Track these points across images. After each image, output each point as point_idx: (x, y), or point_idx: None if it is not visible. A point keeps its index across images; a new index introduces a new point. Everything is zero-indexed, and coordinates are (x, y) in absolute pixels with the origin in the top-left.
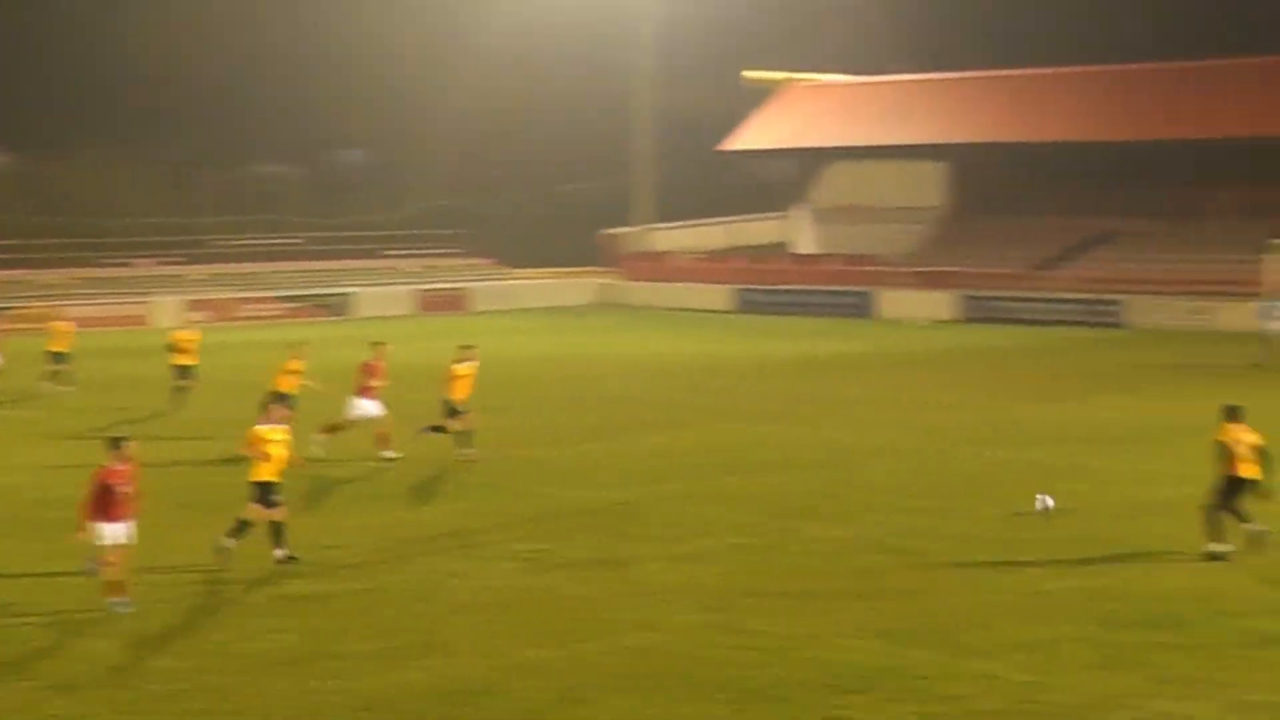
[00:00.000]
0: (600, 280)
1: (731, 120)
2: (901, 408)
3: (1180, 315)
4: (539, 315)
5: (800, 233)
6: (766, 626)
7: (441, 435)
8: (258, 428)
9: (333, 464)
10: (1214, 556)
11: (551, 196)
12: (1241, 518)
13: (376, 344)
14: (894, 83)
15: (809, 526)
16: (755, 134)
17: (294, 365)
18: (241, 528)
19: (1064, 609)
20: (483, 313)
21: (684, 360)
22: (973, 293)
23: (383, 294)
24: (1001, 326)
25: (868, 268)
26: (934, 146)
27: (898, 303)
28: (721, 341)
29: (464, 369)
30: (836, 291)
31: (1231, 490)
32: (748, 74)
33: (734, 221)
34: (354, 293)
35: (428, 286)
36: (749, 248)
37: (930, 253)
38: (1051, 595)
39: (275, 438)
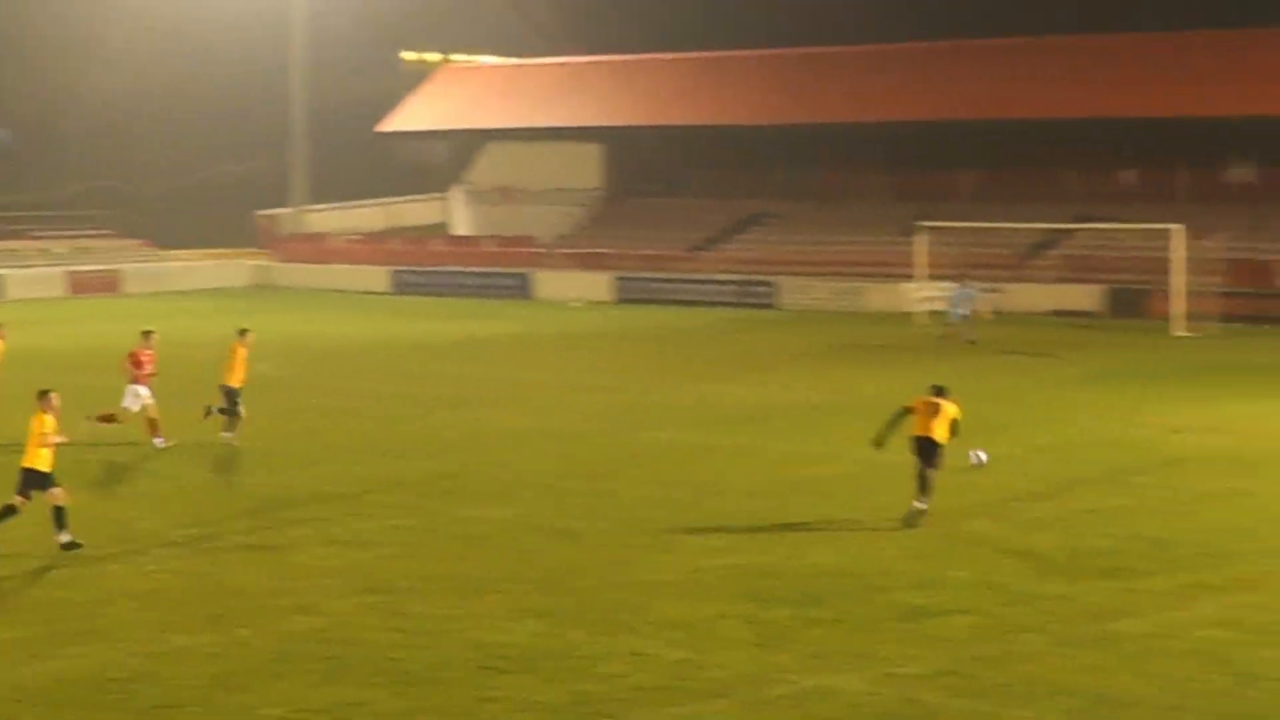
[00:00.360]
0: (256, 262)
1: (390, 102)
2: (559, 389)
3: (830, 296)
4: (196, 297)
5: (458, 214)
6: (424, 609)
7: (218, 416)
8: (43, 416)
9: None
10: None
11: (207, 178)
12: (922, 487)
13: (146, 332)
14: (550, 65)
15: (466, 508)
16: (412, 115)
17: None
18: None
19: (718, 587)
20: (135, 295)
21: (340, 343)
22: (628, 274)
23: (32, 276)
24: (657, 307)
25: (524, 249)
26: (590, 129)
27: (555, 284)
28: (378, 324)
29: (242, 352)
30: (494, 273)
31: (924, 453)
32: (406, 55)
33: (392, 203)
34: (2, 275)
35: (79, 268)
36: (408, 229)
37: (586, 234)
38: (706, 574)
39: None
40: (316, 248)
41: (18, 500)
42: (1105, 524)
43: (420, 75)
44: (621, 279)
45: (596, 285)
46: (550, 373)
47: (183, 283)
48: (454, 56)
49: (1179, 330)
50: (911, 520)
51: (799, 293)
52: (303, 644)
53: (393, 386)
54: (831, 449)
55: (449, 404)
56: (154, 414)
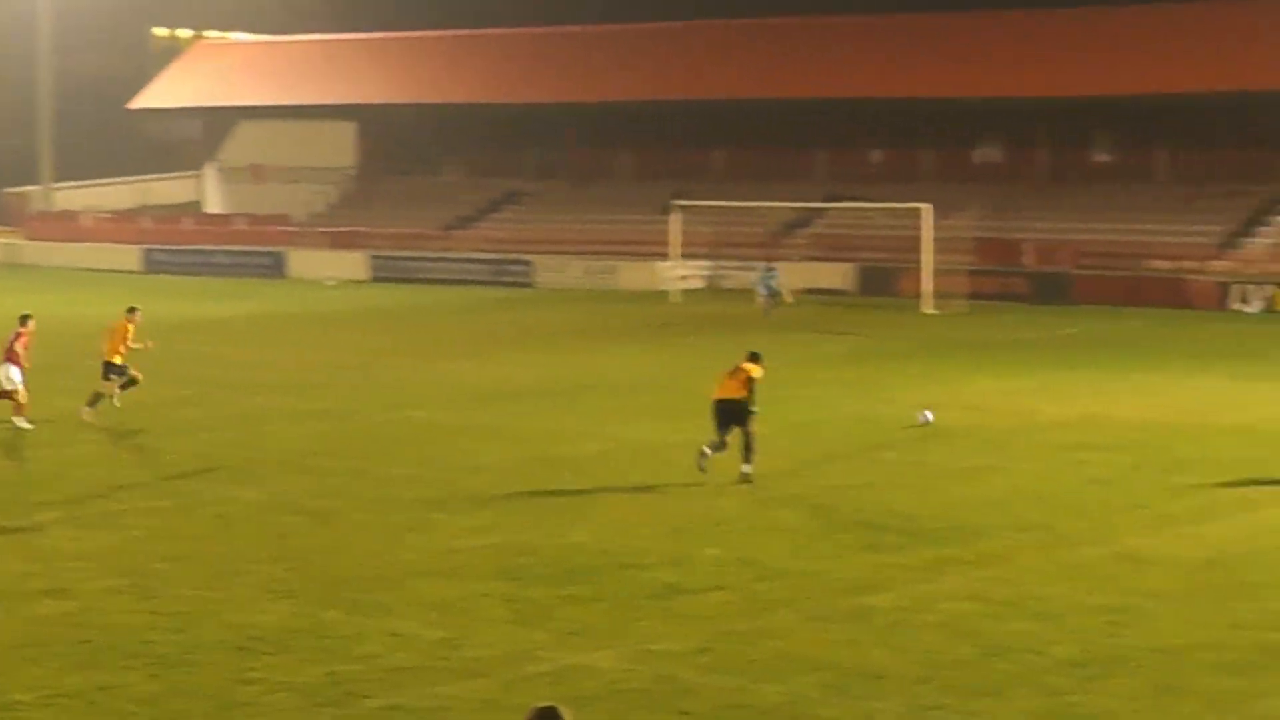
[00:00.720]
0: (4, 240)
1: (141, 79)
2: (312, 368)
3: (585, 275)
4: None
5: (210, 193)
6: (178, 591)
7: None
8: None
9: None
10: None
11: None
12: (746, 451)
13: (25, 316)
14: (304, 42)
15: (219, 489)
16: (164, 92)
17: None
18: None
19: (476, 566)
20: None
21: (89, 322)
22: (383, 253)
23: None
24: (412, 286)
25: (278, 228)
26: (344, 106)
27: (309, 263)
28: (127, 303)
29: (133, 329)
30: (247, 252)
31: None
32: (157, 31)
33: (143, 181)
34: None
35: None
36: (160, 207)
37: (341, 213)
38: (463, 553)
39: None
40: (66, 226)
41: None
42: (856, 500)
43: (172, 52)
44: (376, 258)
45: (351, 264)
46: (303, 352)
47: None
48: (207, 33)
49: (928, 308)
50: (744, 480)
51: (554, 271)
52: (53, 628)
53: (142, 366)
54: (587, 427)
55: (200, 384)
56: (23, 397)
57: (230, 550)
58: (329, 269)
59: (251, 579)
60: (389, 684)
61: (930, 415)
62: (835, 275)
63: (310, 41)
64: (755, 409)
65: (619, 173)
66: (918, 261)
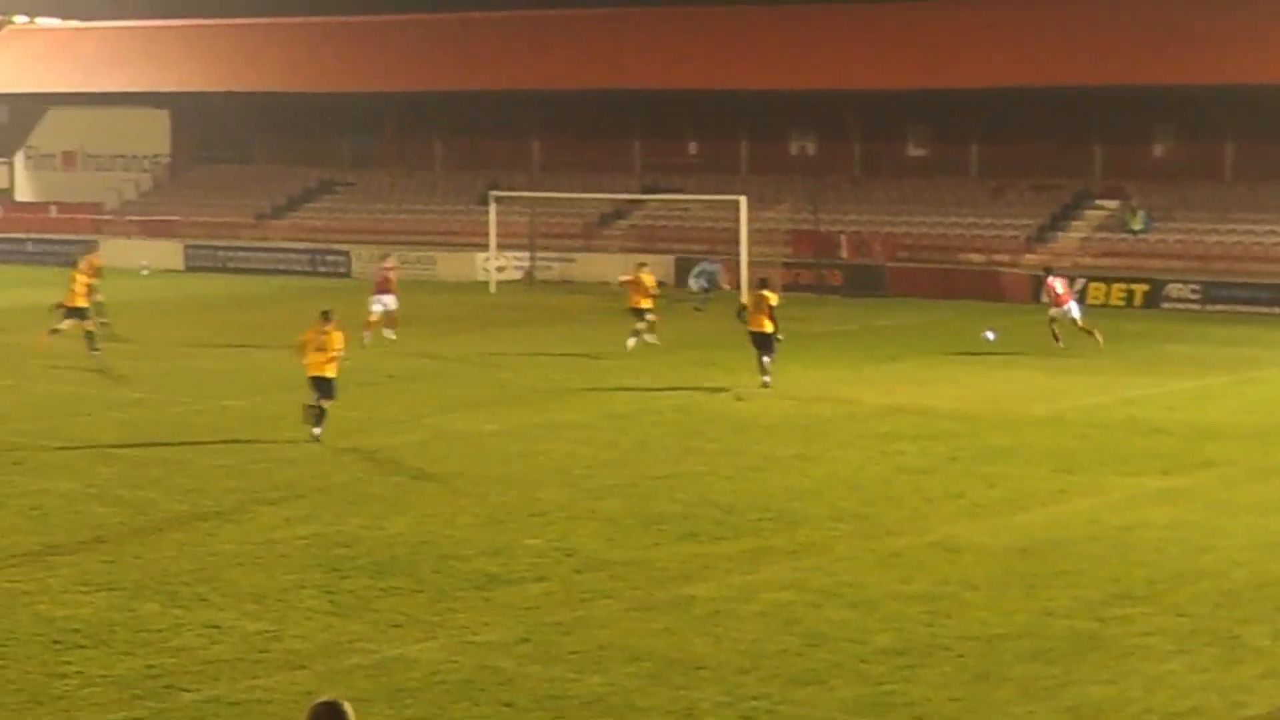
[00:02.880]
0: None
1: None
2: (128, 357)
3: (402, 265)
4: None
5: (19, 180)
6: None
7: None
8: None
9: None
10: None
11: None
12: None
13: None
14: (114, 28)
15: (31, 480)
16: None
17: None
18: None
19: (294, 558)
20: None
21: None
22: (196, 242)
23: None
24: (228, 276)
25: (90, 216)
26: (156, 94)
27: (120, 251)
28: None
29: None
30: (58, 240)
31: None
32: None
33: None
34: None
35: None
36: None
37: (153, 201)
38: (282, 545)
39: None
40: None
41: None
42: (675, 489)
43: None
44: (190, 247)
45: (165, 253)
46: (117, 341)
47: None
48: (15, 18)
49: (744, 299)
50: (765, 386)
51: (372, 262)
52: None
53: None
54: (404, 416)
55: (9, 373)
56: None
57: (44, 541)
58: (143, 258)
59: (66, 570)
60: (207, 676)
61: (992, 335)
62: (655, 267)
63: (121, 28)
64: (781, 337)
65: (436, 162)
66: (735, 254)
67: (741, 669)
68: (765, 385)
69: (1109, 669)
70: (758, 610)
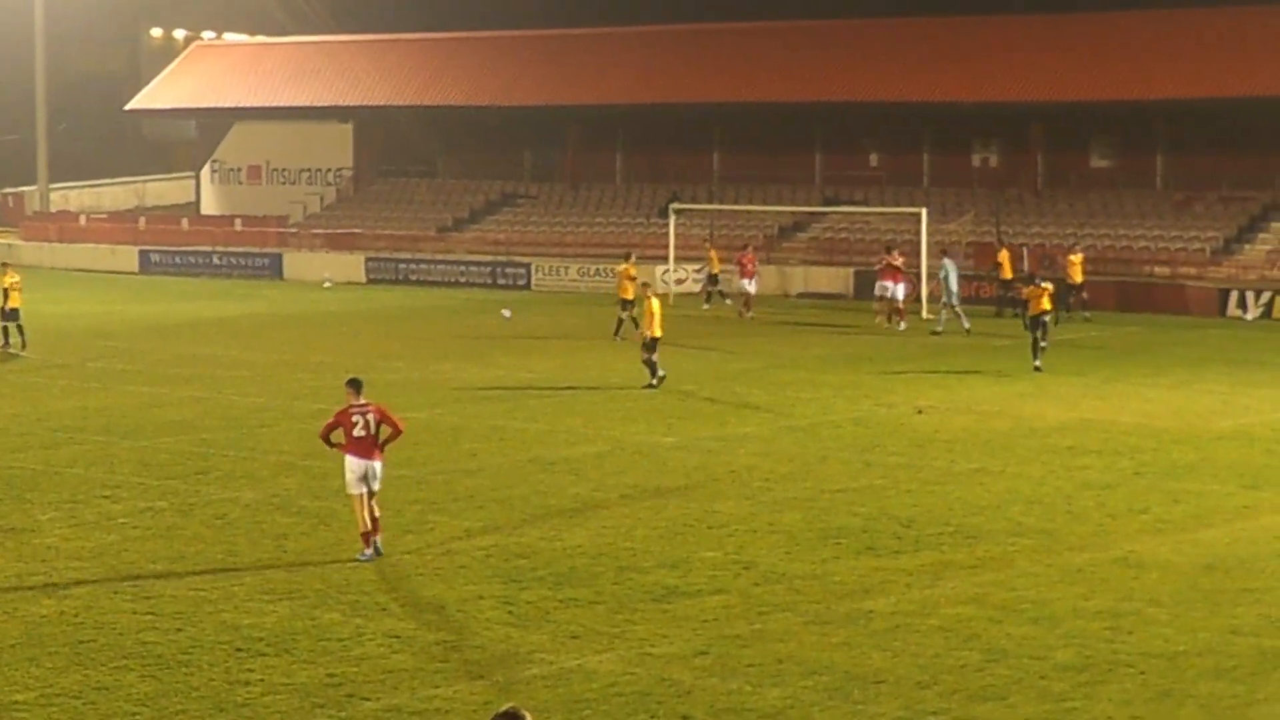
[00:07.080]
0: (1, 241)
1: (138, 80)
2: (308, 369)
3: (582, 278)
4: None
5: (207, 194)
6: (175, 591)
7: None
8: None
9: None
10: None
11: None
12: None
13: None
14: (300, 44)
15: (216, 490)
16: (161, 93)
17: None
18: None
19: (474, 568)
20: None
21: (85, 323)
22: (379, 255)
23: None
24: (409, 288)
25: (275, 229)
26: (340, 108)
27: (305, 264)
28: (124, 304)
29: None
30: (243, 253)
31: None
32: (153, 32)
33: (140, 182)
34: None
35: None
36: (156, 208)
37: (337, 215)
38: (460, 555)
39: None
40: (62, 227)
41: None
42: (854, 503)
43: (169, 53)
44: (372, 260)
45: (348, 266)
46: (299, 353)
47: None
48: (203, 34)
49: (926, 313)
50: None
51: (552, 274)
52: (51, 627)
53: (140, 367)
54: (584, 429)
55: (198, 384)
56: None
57: (228, 551)
58: (326, 270)
59: (249, 579)
60: (388, 685)
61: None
62: (833, 279)
63: (306, 43)
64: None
65: (617, 176)
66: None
67: (920, 684)
68: (1037, 369)
69: None
70: (937, 625)
